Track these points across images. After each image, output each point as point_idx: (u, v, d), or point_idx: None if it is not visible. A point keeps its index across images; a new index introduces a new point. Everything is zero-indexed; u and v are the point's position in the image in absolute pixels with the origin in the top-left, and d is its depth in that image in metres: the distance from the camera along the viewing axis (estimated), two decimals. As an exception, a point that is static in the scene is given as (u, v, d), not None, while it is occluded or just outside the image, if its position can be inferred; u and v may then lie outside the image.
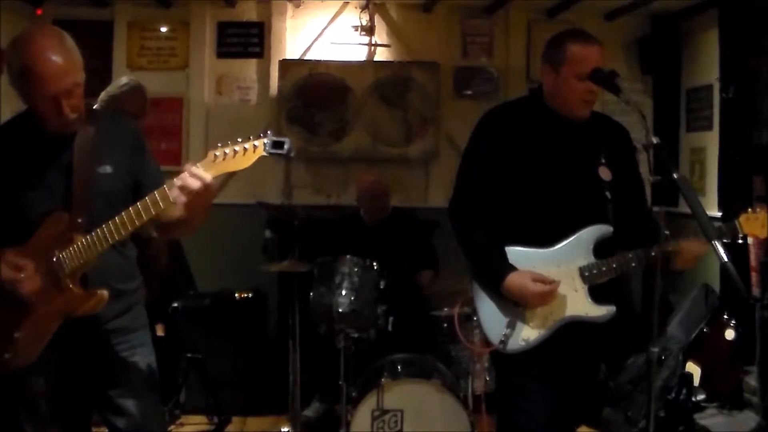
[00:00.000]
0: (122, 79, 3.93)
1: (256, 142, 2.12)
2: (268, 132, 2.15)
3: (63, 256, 2.28)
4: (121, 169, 2.39)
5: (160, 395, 2.54)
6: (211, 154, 2.15)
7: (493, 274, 2.64)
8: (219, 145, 2.15)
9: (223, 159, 2.13)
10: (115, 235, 2.24)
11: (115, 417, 2.42)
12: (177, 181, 2.13)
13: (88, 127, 2.36)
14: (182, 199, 2.13)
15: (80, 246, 2.27)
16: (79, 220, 2.29)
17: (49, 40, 2.23)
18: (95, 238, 2.25)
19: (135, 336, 2.47)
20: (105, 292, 2.30)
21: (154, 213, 2.20)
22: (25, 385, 2.37)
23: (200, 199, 2.14)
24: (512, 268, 2.60)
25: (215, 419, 4.55)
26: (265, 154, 2.12)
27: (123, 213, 2.23)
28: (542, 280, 2.58)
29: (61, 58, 2.21)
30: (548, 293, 2.57)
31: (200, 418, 4.66)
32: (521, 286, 2.57)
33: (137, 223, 2.22)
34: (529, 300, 2.59)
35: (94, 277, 2.31)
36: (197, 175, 2.11)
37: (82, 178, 2.31)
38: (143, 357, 2.47)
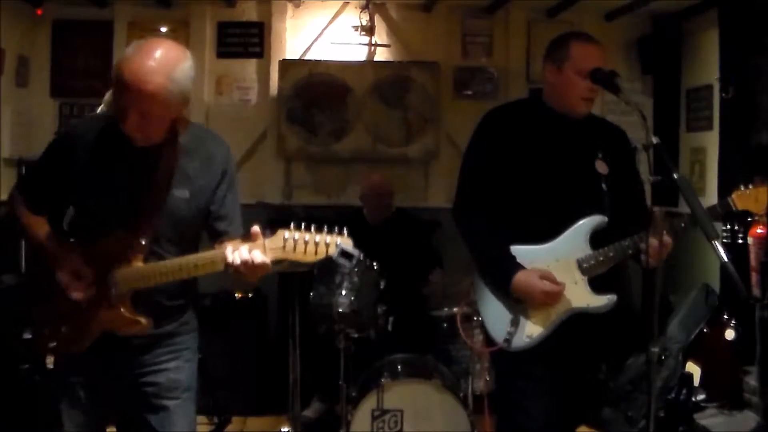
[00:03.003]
0: None
1: (328, 239, 2.07)
2: (344, 231, 2.09)
3: (119, 275, 2.25)
4: (198, 197, 2.32)
5: (194, 398, 2.49)
6: (281, 235, 2.11)
7: (501, 273, 2.66)
8: (292, 226, 2.10)
9: (294, 248, 2.08)
10: (170, 277, 2.23)
11: (149, 414, 2.40)
12: (233, 256, 2.11)
13: (177, 144, 2.28)
14: (231, 270, 2.14)
15: (136, 272, 2.24)
16: (143, 242, 2.25)
17: (156, 59, 2.12)
18: (152, 271, 2.23)
19: (181, 340, 2.44)
20: (147, 322, 2.28)
21: (208, 271, 2.19)
22: (68, 378, 2.36)
23: (251, 274, 2.14)
24: (520, 266, 2.62)
25: (215, 419, 4.55)
26: (332, 256, 2.08)
27: (182, 259, 2.21)
28: (550, 278, 2.60)
29: (152, 79, 2.10)
30: (555, 292, 2.59)
31: (200, 418, 4.63)
32: (528, 283, 2.59)
33: (192, 274, 2.22)
34: (535, 297, 2.60)
35: (145, 295, 2.28)
36: (254, 258, 2.10)
37: (155, 198, 2.26)
38: (184, 360, 2.44)
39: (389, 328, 4.15)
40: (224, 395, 4.58)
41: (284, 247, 2.09)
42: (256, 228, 2.13)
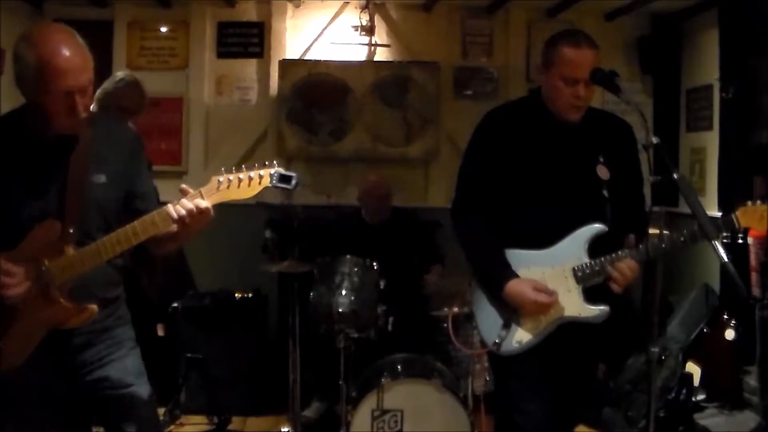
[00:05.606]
0: (118, 74, 3.84)
1: (262, 172, 2.13)
2: (275, 162, 2.15)
3: (52, 267, 2.22)
4: (115, 179, 2.34)
5: (148, 382, 2.48)
6: (214, 181, 2.16)
7: (495, 279, 2.64)
8: (223, 170, 2.16)
9: (227, 187, 2.15)
10: (110, 253, 2.22)
11: (108, 408, 2.39)
12: (176, 209, 2.15)
13: (87, 132, 2.30)
14: (179, 225, 2.17)
15: (71, 259, 2.22)
16: (71, 231, 2.23)
17: (66, 36, 2.20)
18: (87, 254, 2.22)
19: (117, 332, 2.43)
20: (95, 307, 2.26)
21: (151, 234, 2.19)
22: (10, 388, 2.32)
23: (196, 223, 2.18)
24: (514, 274, 2.61)
25: (215, 419, 4.55)
26: (270, 185, 2.13)
27: (119, 231, 2.21)
28: (543, 290, 2.58)
29: (78, 53, 2.19)
30: (546, 304, 2.58)
31: (200, 418, 4.66)
32: (521, 293, 2.58)
33: (133, 242, 2.21)
34: (526, 307, 2.60)
35: (80, 287, 2.27)
36: (196, 205, 2.15)
37: (76, 187, 2.26)
38: (128, 349, 2.44)
39: (389, 328, 4.15)
40: (224, 395, 4.59)
41: (218, 188, 2.15)
42: (183, 186, 2.20)
